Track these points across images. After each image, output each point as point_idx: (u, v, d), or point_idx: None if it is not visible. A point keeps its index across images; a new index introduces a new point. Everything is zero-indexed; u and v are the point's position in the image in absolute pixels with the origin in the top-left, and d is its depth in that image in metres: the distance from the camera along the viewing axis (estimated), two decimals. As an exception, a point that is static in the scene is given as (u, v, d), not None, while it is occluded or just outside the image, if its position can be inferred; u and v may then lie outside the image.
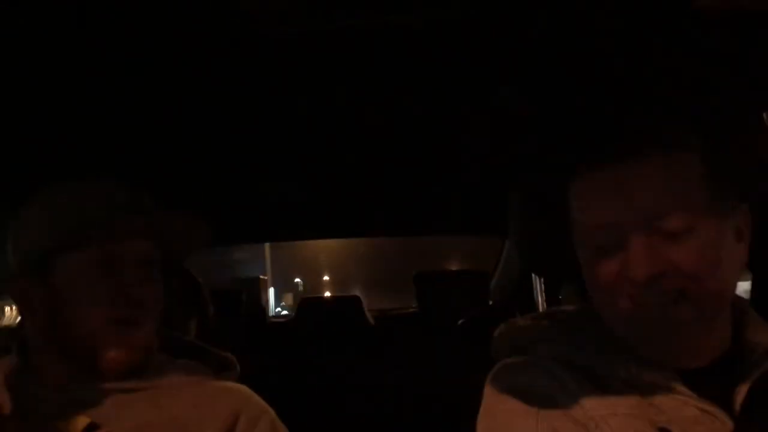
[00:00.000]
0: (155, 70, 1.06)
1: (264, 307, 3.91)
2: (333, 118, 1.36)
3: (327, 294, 10.63)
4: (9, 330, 1.69)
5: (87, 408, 0.84)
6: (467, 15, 0.88)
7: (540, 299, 2.47)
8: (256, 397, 0.95)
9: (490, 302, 2.80)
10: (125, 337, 0.87)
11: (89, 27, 0.89)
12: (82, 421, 0.82)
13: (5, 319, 3.54)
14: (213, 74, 1.10)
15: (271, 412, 0.95)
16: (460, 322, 2.58)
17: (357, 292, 5.10)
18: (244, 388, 0.95)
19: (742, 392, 0.74)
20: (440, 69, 1.11)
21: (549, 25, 0.88)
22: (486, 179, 1.88)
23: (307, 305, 3.01)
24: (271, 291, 11.52)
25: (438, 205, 2.27)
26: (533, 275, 2.54)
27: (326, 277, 14.19)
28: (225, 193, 1.91)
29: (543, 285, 2.36)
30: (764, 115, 1.04)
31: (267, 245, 10.79)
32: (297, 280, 13.85)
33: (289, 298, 12.40)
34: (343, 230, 2.77)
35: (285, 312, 10.13)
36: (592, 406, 0.76)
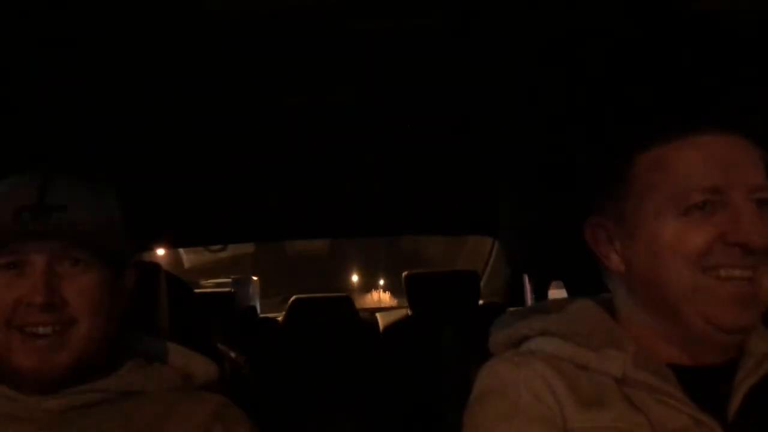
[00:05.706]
0: (144, 70, 1.06)
1: (255, 306, 3.90)
2: (322, 118, 1.37)
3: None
4: None
5: (40, 417, 0.80)
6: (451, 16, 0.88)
7: (529, 298, 2.49)
8: (233, 405, 0.90)
9: (481, 302, 2.81)
10: (31, 344, 0.79)
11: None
12: None
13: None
14: (193, 70, 1.09)
15: (248, 420, 0.89)
16: (450, 321, 2.59)
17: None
18: (219, 397, 0.89)
19: (736, 400, 0.73)
20: (431, 69, 1.12)
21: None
22: (476, 179, 1.89)
23: (299, 304, 3.02)
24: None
25: (428, 205, 2.29)
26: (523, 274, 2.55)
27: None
28: (218, 193, 1.91)
29: (532, 284, 2.38)
30: None
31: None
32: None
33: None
34: (332, 230, 2.78)
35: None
36: (574, 416, 0.74)
